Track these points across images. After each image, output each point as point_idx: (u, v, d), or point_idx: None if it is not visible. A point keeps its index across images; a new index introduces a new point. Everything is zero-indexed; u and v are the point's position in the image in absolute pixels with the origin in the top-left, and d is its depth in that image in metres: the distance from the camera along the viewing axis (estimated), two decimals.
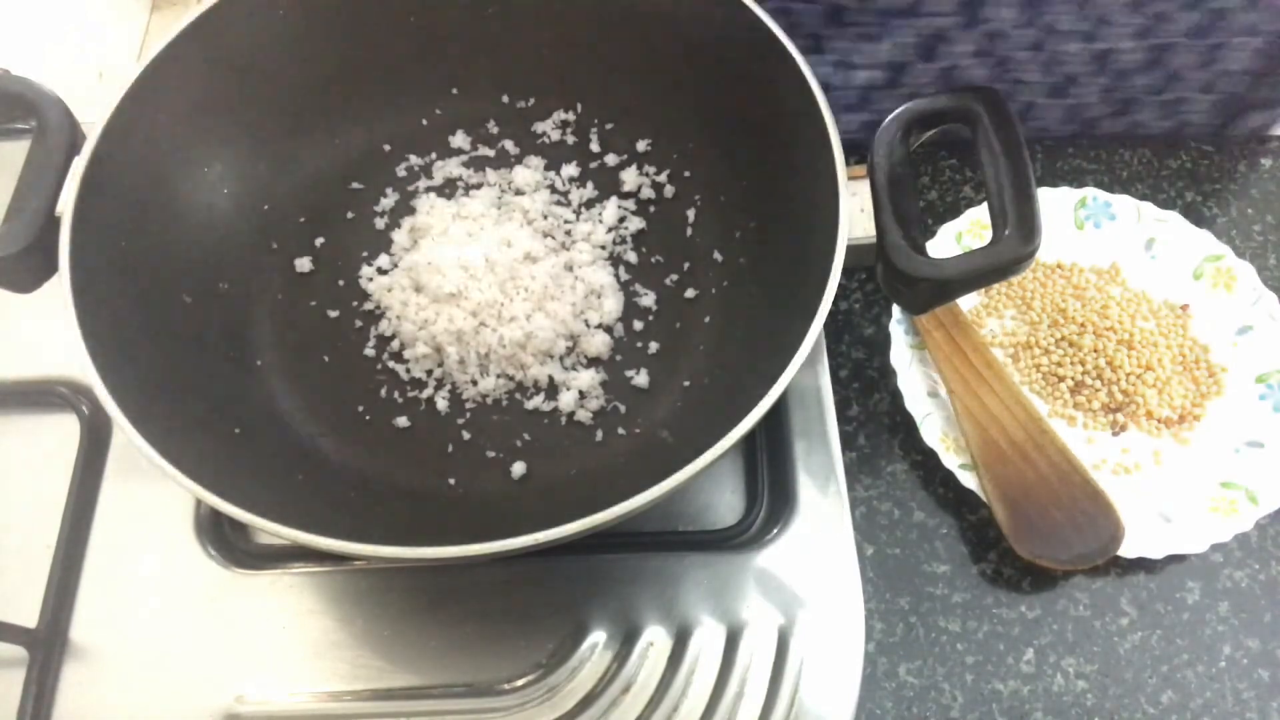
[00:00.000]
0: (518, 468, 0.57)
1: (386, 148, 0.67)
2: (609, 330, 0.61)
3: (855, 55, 0.72)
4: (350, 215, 0.65)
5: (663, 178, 0.66)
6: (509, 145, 0.68)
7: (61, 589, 0.55)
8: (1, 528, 0.58)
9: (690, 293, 0.62)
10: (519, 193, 0.66)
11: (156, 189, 0.56)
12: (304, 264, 0.63)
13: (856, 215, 0.50)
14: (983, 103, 0.50)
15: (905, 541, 0.61)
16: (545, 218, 0.64)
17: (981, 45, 0.70)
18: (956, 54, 0.71)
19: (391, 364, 0.61)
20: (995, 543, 0.60)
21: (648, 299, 0.62)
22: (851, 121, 0.77)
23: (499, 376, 0.59)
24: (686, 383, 0.59)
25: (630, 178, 0.66)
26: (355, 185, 0.66)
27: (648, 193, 0.66)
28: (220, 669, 0.53)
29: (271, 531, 0.44)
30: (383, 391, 0.60)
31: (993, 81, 0.73)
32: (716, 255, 0.63)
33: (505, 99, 0.68)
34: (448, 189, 0.67)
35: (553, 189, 0.66)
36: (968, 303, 0.68)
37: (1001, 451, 0.60)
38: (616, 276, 0.63)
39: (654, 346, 0.61)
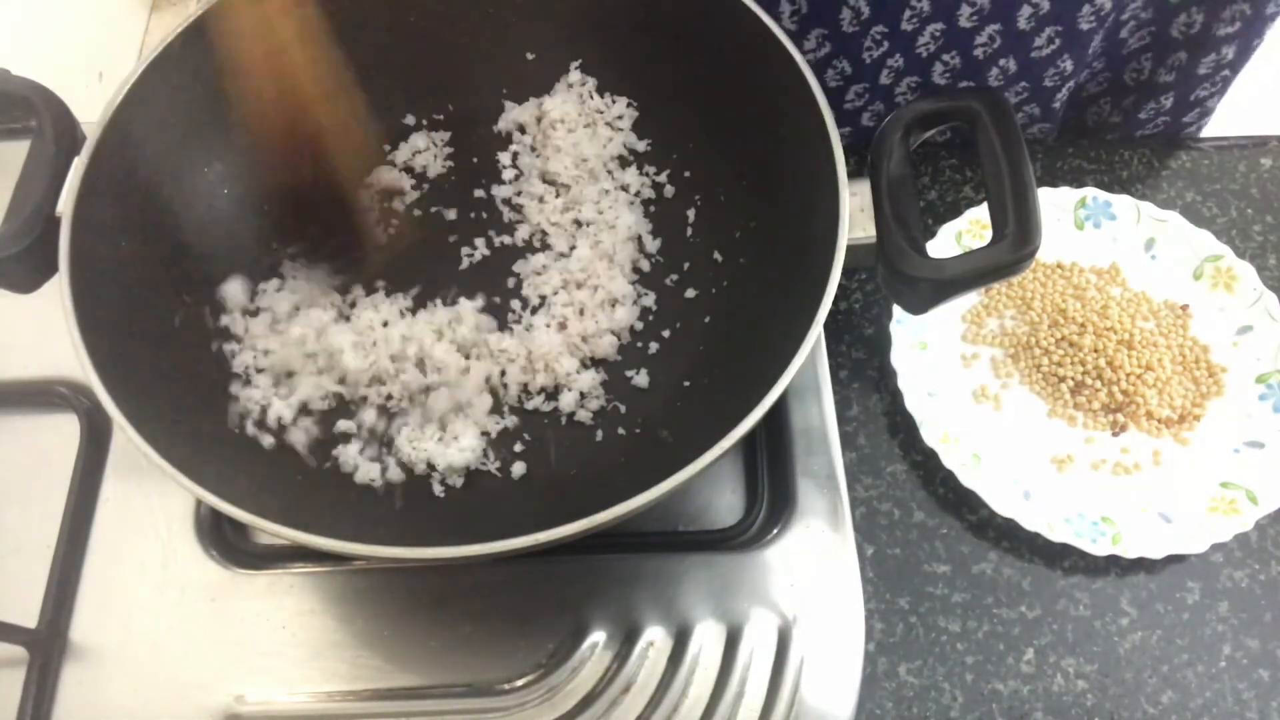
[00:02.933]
0: (518, 468, 0.57)
1: (386, 148, 0.67)
2: (616, 334, 0.61)
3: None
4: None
5: (663, 178, 0.66)
6: None
7: (61, 589, 0.55)
8: (1, 528, 0.58)
9: (690, 293, 0.62)
10: None
11: (156, 189, 0.56)
12: None
13: (856, 215, 0.50)
14: (983, 103, 0.50)
15: (905, 541, 0.61)
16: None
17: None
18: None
19: None
20: (995, 542, 0.61)
21: (648, 299, 0.62)
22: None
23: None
24: (686, 383, 0.59)
25: (630, 178, 0.65)
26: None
27: (648, 193, 0.66)
28: (220, 669, 0.53)
29: (271, 531, 0.44)
30: None
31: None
32: (716, 255, 0.63)
33: (505, 99, 0.68)
34: None
35: None
36: (968, 303, 0.68)
37: None
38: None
39: (654, 347, 0.61)
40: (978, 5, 0.63)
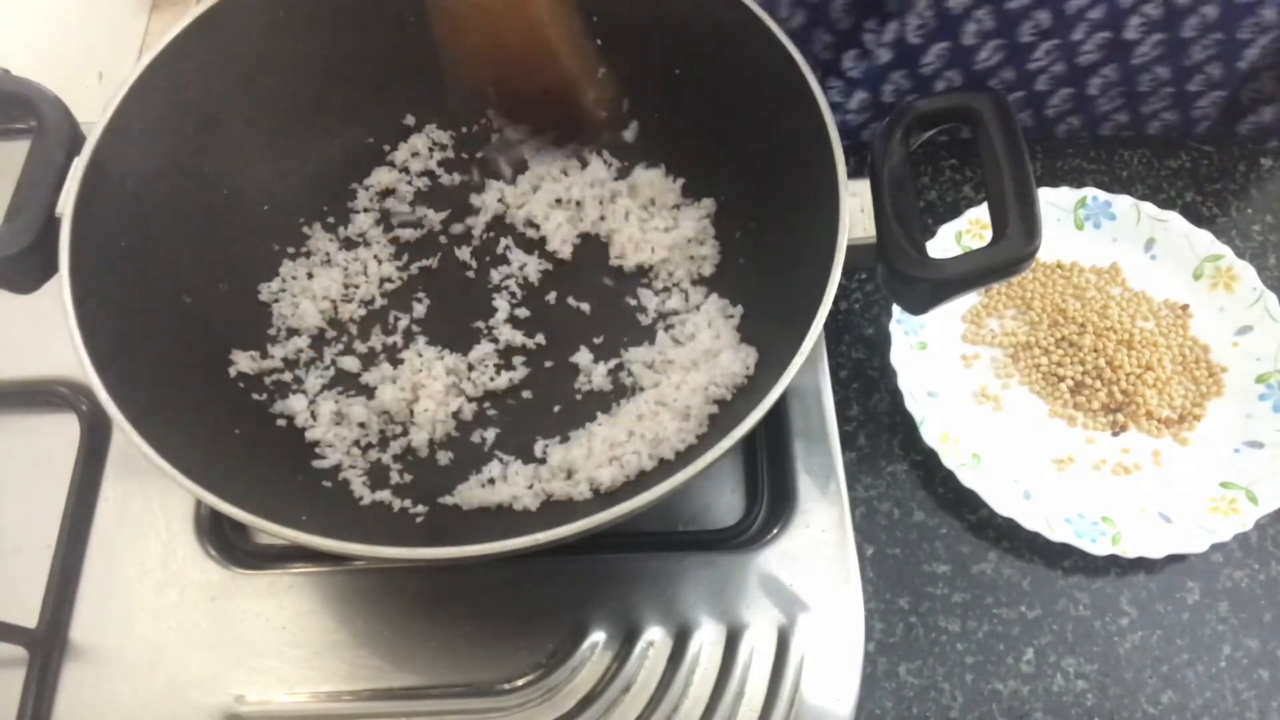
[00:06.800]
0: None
1: (386, 148, 0.67)
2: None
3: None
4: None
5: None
6: None
7: (61, 589, 0.55)
8: (1, 528, 0.58)
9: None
10: None
11: (156, 189, 0.56)
12: None
13: (856, 215, 0.50)
14: (983, 103, 0.50)
15: (905, 541, 0.61)
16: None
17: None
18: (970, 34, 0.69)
19: None
20: (995, 542, 0.61)
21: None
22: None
23: None
24: None
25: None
26: (355, 186, 0.66)
27: None
28: (220, 669, 0.53)
29: (271, 532, 0.44)
30: None
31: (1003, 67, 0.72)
32: (716, 256, 0.63)
33: None
34: None
35: None
36: (968, 303, 0.68)
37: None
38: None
39: None
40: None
